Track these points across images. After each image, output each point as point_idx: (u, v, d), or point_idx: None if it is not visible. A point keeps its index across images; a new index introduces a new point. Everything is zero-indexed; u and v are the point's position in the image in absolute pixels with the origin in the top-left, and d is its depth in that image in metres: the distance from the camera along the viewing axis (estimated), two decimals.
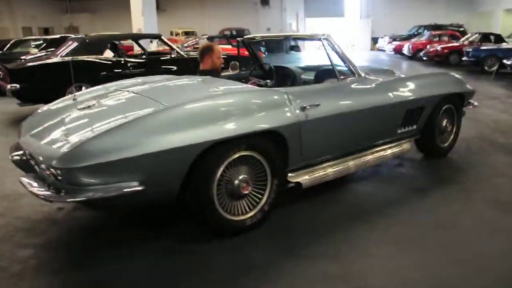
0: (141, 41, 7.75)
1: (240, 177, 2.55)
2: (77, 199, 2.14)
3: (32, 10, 22.27)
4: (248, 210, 2.65)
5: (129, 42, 9.91)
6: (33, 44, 10.05)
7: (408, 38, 19.77)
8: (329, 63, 3.27)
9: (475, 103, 4.42)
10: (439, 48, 14.76)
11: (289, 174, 2.87)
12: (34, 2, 22.48)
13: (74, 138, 2.28)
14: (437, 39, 16.79)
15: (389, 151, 3.52)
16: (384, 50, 21.59)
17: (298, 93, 2.88)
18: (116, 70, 6.26)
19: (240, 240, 2.55)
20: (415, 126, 3.72)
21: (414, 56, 16.78)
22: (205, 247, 2.51)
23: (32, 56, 8.45)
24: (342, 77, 3.26)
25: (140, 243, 2.58)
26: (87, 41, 6.51)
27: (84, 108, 2.71)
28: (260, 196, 2.70)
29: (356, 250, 2.43)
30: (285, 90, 2.84)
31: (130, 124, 2.30)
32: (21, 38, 11.31)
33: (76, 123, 2.53)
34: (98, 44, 6.47)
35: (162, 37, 7.18)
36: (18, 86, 5.66)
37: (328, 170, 3.08)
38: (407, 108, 3.54)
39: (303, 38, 3.77)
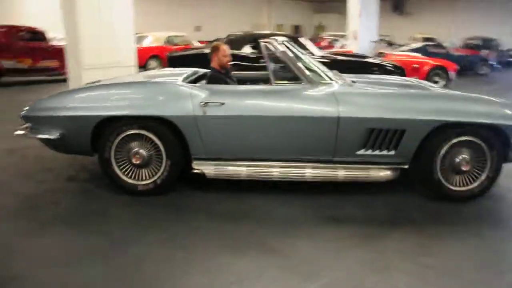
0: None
1: (135, 150, 3.13)
2: (19, 132, 3.27)
3: (286, 9, 25.90)
4: (144, 178, 3.19)
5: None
6: None
7: None
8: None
9: None
10: None
11: (194, 162, 3.19)
12: (288, 2, 26.04)
13: None
14: None
15: (341, 172, 3.16)
16: None
17: (205, 91, 3.13)
18: (246, 63, 7.27)
19: (124, 198, 3.16)
20: (393, 152, 3.13)
21: None
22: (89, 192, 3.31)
23: None
24: (282, 81, 3.19)
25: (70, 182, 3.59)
26: (231, 38, 7.78)
27: (90, 83, 3.84)
28: (157, 171, 3.18)
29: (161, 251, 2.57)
30: (192, 87, 3.15)
31: (62, 94, 3.29)
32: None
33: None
34: (238, 41, 7.63)
35: (300, 39, 7.67)
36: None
37: (242, 169, 3.17)
38: (367, 127, 3.05)
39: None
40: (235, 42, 7.63)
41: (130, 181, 3.20)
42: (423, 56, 10.37)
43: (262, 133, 3.11)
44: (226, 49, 3.81)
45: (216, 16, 21.85)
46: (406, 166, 3.19)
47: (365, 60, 7.73)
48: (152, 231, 2.70)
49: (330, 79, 3.32)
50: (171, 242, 2.56)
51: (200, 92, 3.11)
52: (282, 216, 2.97)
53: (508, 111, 3.12)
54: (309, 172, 3.16)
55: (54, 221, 2.83)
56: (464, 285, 2.16)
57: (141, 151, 3.14)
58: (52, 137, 3.18)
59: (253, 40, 7.70)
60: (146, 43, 12.03)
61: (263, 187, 3.34)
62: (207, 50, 7.60)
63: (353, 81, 3.63)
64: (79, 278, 2.18)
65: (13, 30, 9.60)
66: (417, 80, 4.58)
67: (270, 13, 25.27)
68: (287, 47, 3.45)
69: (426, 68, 9.39)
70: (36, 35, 9.85)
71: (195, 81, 3.86)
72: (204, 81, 3.74)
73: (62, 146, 3.28)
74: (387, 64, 7.60)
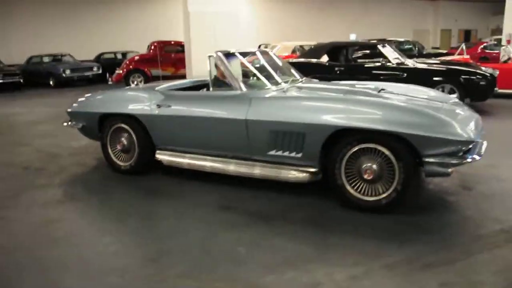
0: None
1: (121, 139, 4.20)
2: (65, 124, 4.74)
3: (456, 12, 23.23)
4: (125, 161, 4.25)
5: None
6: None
7: None
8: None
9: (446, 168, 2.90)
10: None
11: (157, 151, 4.07)
12: (460, 4, 23.26)
13: None
14: None
15: (257, 170, 3.53)
16: None
17: (161, 95, 3.96)
18: (320, 71, 7.61)
19: (113, 174, 4.28)
20: (300, 155, 3.33)
21: None
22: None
23: None
24: (217, 88, 3.76)
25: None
26: (312, 47, 8.18)
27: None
28: (132, 156, 4.19)
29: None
30: (151, 92, 4.03)
31: (86, 96, 4.61)
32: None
33: None
34: (318, 50, 7.99)
35: (379, 46, 7.47)
36: None
37: (185, 160, 3.89)
38: (271, 129, 3.34)
39: None
40: (316, 51, 8.05)
41: (118, 162, 4.30)
42: None
43: (195, 131, 3.75)
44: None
45: (372, 23, 21.52)
46: (314, 169, 3.32)
47: (451, 68, 7.02)
48: (102, 194, 3.78)
49: (267, 85, 3.70)
50: (100, 202, 3.60)
51: (158, 96, 3.98)
52: (187, 197, 3.64)
53: (417, 119, 2.93)
54: (233, 167, 3.64)
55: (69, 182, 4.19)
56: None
57: (124, 140, 4.21)
58: (79, 127, 4.57)
59: (331, 49, 7.97)
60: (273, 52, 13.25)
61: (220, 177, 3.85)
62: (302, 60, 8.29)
63: (299, 88, 3.83)
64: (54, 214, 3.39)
65: (161, 45, 12.23)
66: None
67: (436, 17, 23.26)
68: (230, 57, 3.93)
69: None
70: (181, 47, 12.23)
71: (199, 88, 4.71)
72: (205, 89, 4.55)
73: (86, 133, 4.64)
74: (480, 71, 6.80)
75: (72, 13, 16.66)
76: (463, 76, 6.75)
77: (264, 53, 4.44)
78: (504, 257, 2.49)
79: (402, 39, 13.89)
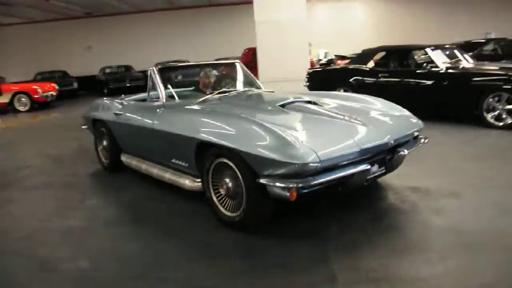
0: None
1: (102, 141, 4.96)
2: (83, 127, 5.73)
3: None
4: (106, 159, 4.99)
5: None
6: None
7: None
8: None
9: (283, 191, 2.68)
10: None
11: (122, 154, 4.69)
12: None
13: None
14: None
15: (167, 175, 3.81)
16: None
17: (119, 105, 4.55)
18: (363, 77, 7.15)
19: (98, 169, 5.07)
20: (187, 164, 3.49)
21: None
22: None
23: None
24: (151, 99, 4.12)
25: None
26: (361, 52, 7.62)
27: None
28: (109, 156, 4.90)
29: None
30: (118, 102, 4.61)
31: (92, 104, 5.49)
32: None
33: None
34: (365, 55, 7.42)
35: (427, 50, 6.54)
36: (307, 83, 8.28)
37: (133, 162, 4.41)
38: (166, 139, 3.58)
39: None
40: (363, 56, 7.54)
41: (102, 159, 5.08)
42: None
43: (132, 137, 4.28)
44: (209, 73, 4.83)
45: (477, 20, 18.15)
46: (199, 180, 3.42)
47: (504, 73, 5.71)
48: (73, 184, 4.60)
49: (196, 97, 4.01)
50: (62, 190, 4.41)
51: (118, 105, 4.59)
52: (117, 193, 4.24)
53: (258, 138, 2.79)
54: (156, 171, 3.99)
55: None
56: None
57: (104, 141, 4.96)
58: (87, 127, 5.52)
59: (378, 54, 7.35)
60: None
61: None
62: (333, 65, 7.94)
63: (219, 100, 3.90)
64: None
65: (253, 51, 12.85)
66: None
67: None
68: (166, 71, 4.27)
69: None
70: None
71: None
72: None
73: (93, 134, 5.57)
74: None
75: (191, 23, 18.93)
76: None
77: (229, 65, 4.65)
78: None
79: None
